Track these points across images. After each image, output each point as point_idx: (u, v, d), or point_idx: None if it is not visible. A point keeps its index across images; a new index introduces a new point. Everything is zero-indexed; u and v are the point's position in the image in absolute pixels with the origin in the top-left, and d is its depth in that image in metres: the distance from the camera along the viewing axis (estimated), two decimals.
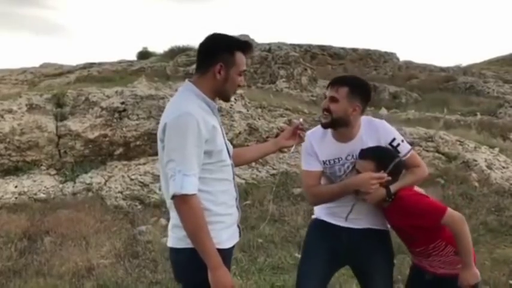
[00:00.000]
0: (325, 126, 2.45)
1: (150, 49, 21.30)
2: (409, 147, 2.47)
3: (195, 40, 21.74)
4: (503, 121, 13.11)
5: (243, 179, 6.57)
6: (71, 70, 17.29)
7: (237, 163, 2.29)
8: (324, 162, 2.49)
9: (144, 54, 20.60)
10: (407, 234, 2.42)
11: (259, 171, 6.93)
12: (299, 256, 4.39)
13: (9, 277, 4.29)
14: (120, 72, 15.76)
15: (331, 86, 2.43)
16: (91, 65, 17.57)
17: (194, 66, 2.21)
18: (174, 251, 2.09)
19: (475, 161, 7.45)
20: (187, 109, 1.96)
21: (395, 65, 21.72)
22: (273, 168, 7.04)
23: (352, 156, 2.44)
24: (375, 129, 2.46)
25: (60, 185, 6.49)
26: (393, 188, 2.36)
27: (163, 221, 5.41)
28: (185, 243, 1.99)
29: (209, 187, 2.02)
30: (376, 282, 2.50)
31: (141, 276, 4.28)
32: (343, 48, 20.70)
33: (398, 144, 2.43)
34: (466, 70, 22.70)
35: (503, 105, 15.29)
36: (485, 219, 5.68)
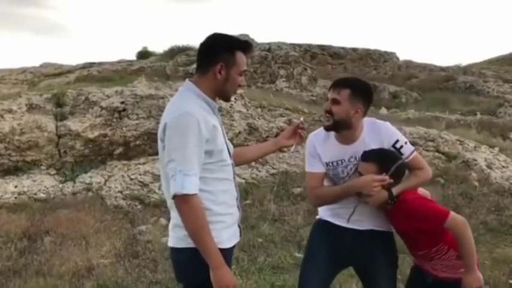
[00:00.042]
0: (327, 129, 2.44)
1: (150, 49, 21.28)
2: (412, 148, 2.46)
3: (195, 40, 21.80)
4: (503, 121, 13.12)
5: (243, 178, 6.57)
6: (70, 70, 17.26)
7: (237, 163, 2.30)
8: (327, 164, 2.48)
9: (144, 54, 20.54)
10: (411, 237, 2.41)
11: (259, 171, 6.92)
12: (299, 256, 4.41)
13: (9, 277, 4.29)
14: (120, 72, 15.73)
15: (333, 87, 2.41)
16: (91, 64, 17.54)
17: (194, 66, 2.21)
18: (175, 250, 2.10)
19: (475, 160, 7.45)
20: (188, 109, 1.96)
21: (395, 64, 21.68)
22: (273, 168, 7.04)
23: (355, 158, 2.43)
24: (377, 131, 2.44)
25: (60, 185, 6.49)
26: (395, 190, 2.35)
27: (163, 220, 5.41)
28: (186, 243, 1.99)
29: (210, 187, 2.02)
30: (379, 283, 2.49)
31: (141, 276, 4.28)
32: (343, 48, 20.64)
33: (402, 146, 2.42)
34: (466, 70, 22.67)
35: (503, 104, 15.31)
36: (485, 218, 5.68)
